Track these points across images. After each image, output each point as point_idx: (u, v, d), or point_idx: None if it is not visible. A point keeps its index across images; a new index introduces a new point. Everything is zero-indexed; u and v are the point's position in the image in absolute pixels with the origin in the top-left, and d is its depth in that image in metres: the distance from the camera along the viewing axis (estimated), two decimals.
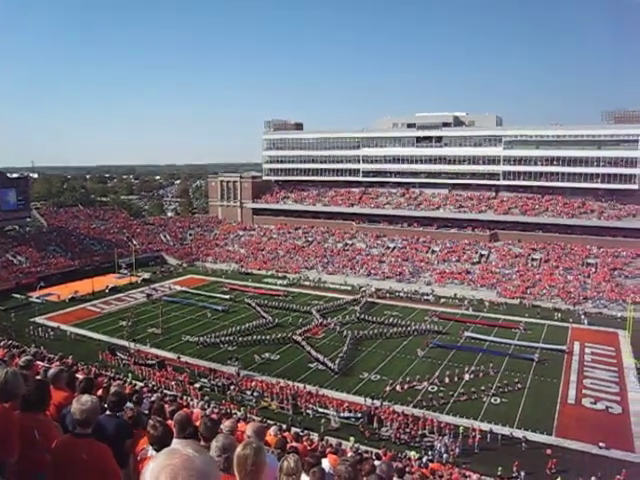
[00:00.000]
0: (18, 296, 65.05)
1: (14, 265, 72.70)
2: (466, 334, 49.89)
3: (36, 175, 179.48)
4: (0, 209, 78.08)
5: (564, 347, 46.60)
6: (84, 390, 6.02)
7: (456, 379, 39.72)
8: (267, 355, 45.45)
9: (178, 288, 69.75)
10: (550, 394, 37.75)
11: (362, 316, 55.95)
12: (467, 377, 40.10)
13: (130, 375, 38.21)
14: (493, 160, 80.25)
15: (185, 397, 32.95)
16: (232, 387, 38.03)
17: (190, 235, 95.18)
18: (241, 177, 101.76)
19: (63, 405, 5.39)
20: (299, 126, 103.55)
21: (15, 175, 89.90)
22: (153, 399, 13.95)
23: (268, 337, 49.10)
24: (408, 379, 39.56)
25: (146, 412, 7.45)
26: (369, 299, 63.09)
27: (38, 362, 16.13)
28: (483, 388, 37.82)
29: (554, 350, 46.00)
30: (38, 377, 6.57)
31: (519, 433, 31.47)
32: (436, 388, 38.42)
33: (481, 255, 73.58)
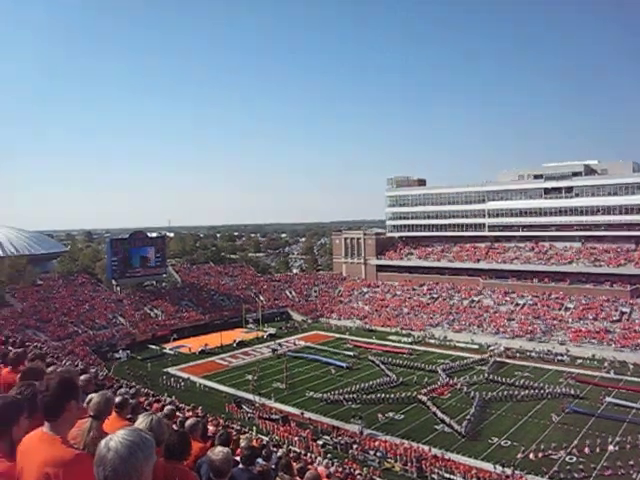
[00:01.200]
0: (154, 347, 70.13)
1: (151, 318, 78.76)
2: (608, 400, 45.83)
3: (172, 234, 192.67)
4: (141, 265, 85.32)
5: None
6: (222, 442, 6.51)
7: (598, 450, 36.29)
8: (391, 414, 44.66)
9: (303, 344, 71.17)
10: None
11: (490, 377, 53.51)
12: (611, 448, 36.50)
13: (255, 429, 39.11)
14: (632, 209, 74.88)
15: (308, 454, 33.12)
16: (355, 446, 37.67)
17: (315, 291, 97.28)
18: (365, 234, 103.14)
19: (198, 455, 5.87)
20: (422, 182, 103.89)
21: (154, 234, 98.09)
22: (279, 454, 14.38)
23: (392, 396, 48.32)
24: (542, 447, 36.88)
25: (273, 467, 7.84)
26: (498, 359, 60.37)
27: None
28: (632, 463, 33.71)
29: None
30: (175, 427, 7.17)
31: None
32: (575, 459, 35.40)
33: (622, 312, 67.93)
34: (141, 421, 3.86)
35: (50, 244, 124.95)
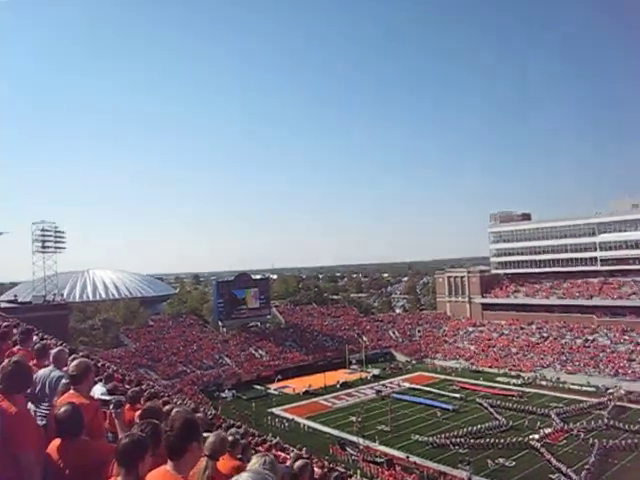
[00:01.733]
0: (259, 387, 71.83)
1: (256, 358, 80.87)
2: None
3: (275, 276, 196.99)
4: (246, 307, 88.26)
5: None
6: None
7: None
8: (501, 461, 42.52)
9: (407, 385, 69.90)
10: None
11: (611, 422, 49.78)
12: None
13: (359, 472, 38.50)
14: None
15: None
16: None
17: (419, 331, 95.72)
18: (469, 272, 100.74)
19: None
20: (526, 216, 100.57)
21: (258, 277, 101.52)
22: None
23: (502, 441, 46.08)
24: None
25: None
26: (618, 403, 56.10)
27: (279, 452, 17.77)
28: None
29: None
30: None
31: None
32: None
33: None
34: (255, 462, 3.97)
35: (160, 287, 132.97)
